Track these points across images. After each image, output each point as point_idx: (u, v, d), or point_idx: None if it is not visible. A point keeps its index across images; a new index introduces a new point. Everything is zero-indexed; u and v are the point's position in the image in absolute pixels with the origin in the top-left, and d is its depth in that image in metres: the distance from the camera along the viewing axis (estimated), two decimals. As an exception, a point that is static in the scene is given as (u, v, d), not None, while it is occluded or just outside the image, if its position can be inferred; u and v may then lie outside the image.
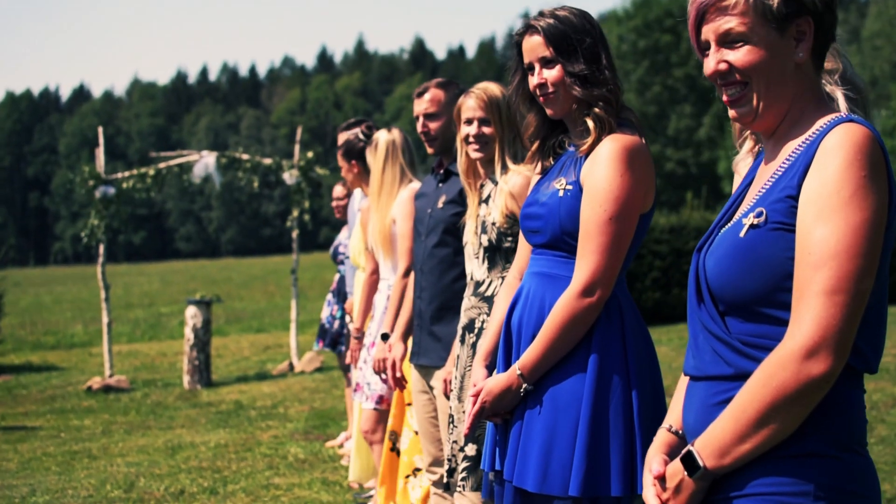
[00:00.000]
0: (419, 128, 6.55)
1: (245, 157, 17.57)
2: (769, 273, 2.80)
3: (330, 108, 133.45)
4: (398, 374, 6.72)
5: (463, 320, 5.63)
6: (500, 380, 4.30)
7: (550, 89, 4.36)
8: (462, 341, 5.61)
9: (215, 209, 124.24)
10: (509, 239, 5.44)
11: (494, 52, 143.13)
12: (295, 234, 18.39)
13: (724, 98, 2.98)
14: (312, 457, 10.88)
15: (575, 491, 4.07)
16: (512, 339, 4.42)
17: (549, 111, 4.42)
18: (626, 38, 72.92)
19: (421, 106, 6.54)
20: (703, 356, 2.97)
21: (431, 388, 6.28)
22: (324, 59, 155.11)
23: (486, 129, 5.66)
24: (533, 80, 4.41)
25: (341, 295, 11.68)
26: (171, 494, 9.36)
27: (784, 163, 2.91)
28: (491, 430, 4.46)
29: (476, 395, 4.37)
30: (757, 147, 4.02)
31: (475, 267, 5.62)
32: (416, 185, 7.53)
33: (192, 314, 16.51)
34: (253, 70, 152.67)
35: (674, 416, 3.22)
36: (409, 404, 7.02)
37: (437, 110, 6.49)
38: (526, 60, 4.44)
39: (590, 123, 4.31)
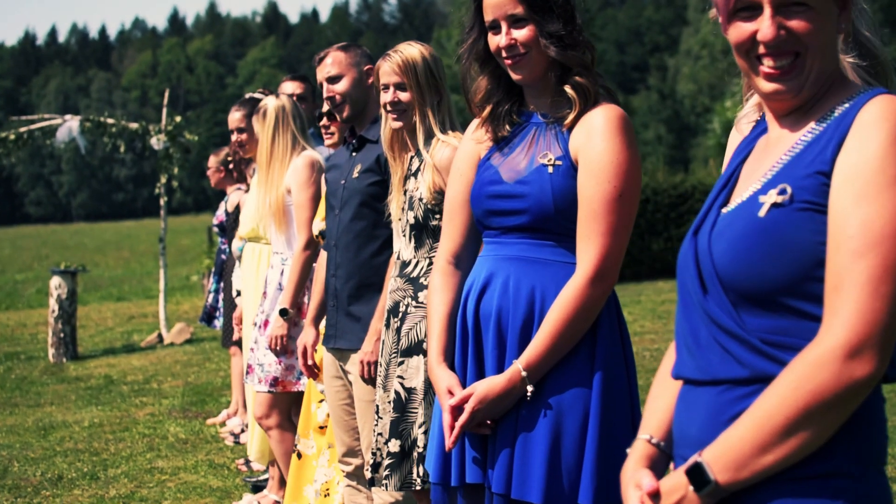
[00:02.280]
0: (325, 94, 6.13)
1: (111, 121, 16.98)
2: (796, 259, 2.45)
3: (182, 72, 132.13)
4: (310, 362, 6.30)
5: (388, 303, 5.22)
6: (497, 383, 3.79)
7: (521, 50, 3.88)
8: (387, 325, 5.20)
9: (66, 173, 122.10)
10: (437, 217, 5.03)
11: (348, 17, 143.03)
12: (163, 200, 17.79)
13: (768, 70, 2.59)
14: (194, 436, 10.41)
15: (586, 499, 3.70)
16: (482, 332, 3.93)
17: (515, 76, 3.94)
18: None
19: (322, 71, 6.13)
20: (708, 356, 2.59)
21: (346, 372, 5.87)
22: (175, 21, 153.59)
23: (402, 95, 5.24)
24: (498, 40, 3.91)
25: (217, 268, 11.27)
26: (48, 481, 8.83)
27: (806, 135, 2.58)
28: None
29: (459, 403, 3.83)
30: (757, 99, 3.54)
31: (403, 246, 5.20)
32: (310, 152, 7.22)
33: (56, 284, 15.84)
34: (103, 32, 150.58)
35: (653, 425, 2.84)
36: (322, 400, 6.58)
37: (340, 72, 6.07)
38: (489, 17, 3.93)
39: (570, 93, 3.88)
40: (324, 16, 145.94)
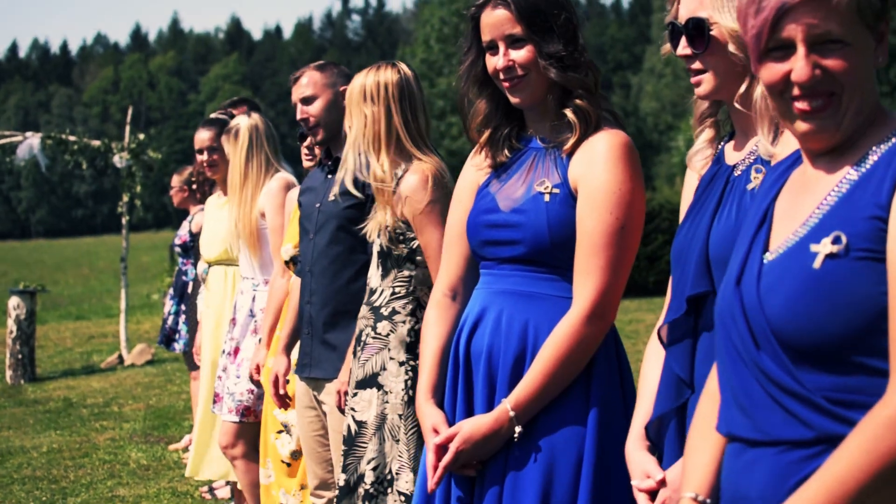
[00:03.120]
0: (298, 115, 5.89)
1: (73, 138, 16.71)
2: (859, 313, 2.27)
3: (144, 88, 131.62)
4: (282, 391, 6.03)
5: (356, 331, 5.03)
6: (483, 422, 3.58)
7: (519, 72, 3.67)
8: (354, 354, 5.01)
9: (25, 189, 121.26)
10: (401, 246, 4.87)
11: (312, 33, 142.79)
12: (125, 220, 17.52)
13: (802, 108, 2.41)
14: (156, 462, 10.12)
15: None
16: (472, 369, 3.71)
17: (514, 99, 3.73)
18: (449, 21, 71.99)
19: (297, 91, 5.88)
20: (767, 415, 2.39)
21: (321, 402, 5.62)
22: (137, 37, 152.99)
23: (346, 123, 5.16)
24: (496, 62, 3.69)
25: (177, 289, 10.97)
26: (5, 511, 8.55)
27: (851, 173, 2.39)
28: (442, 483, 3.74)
29: (443, 443, 3.63)
30: (709, 135, 3.35)
31: (373, 272, 5.03)
32: (283, 174, 6.99)
33: (14, 305, 15.58)
34: (64, 47, 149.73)
35: (697, 481, 2.63)
36: (282, 431, 6.34)
37: (314, 93, 5.82)
38: (486, 38, 3.72)
39: (571, 117, 3.66)
40: (287, 32, 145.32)
